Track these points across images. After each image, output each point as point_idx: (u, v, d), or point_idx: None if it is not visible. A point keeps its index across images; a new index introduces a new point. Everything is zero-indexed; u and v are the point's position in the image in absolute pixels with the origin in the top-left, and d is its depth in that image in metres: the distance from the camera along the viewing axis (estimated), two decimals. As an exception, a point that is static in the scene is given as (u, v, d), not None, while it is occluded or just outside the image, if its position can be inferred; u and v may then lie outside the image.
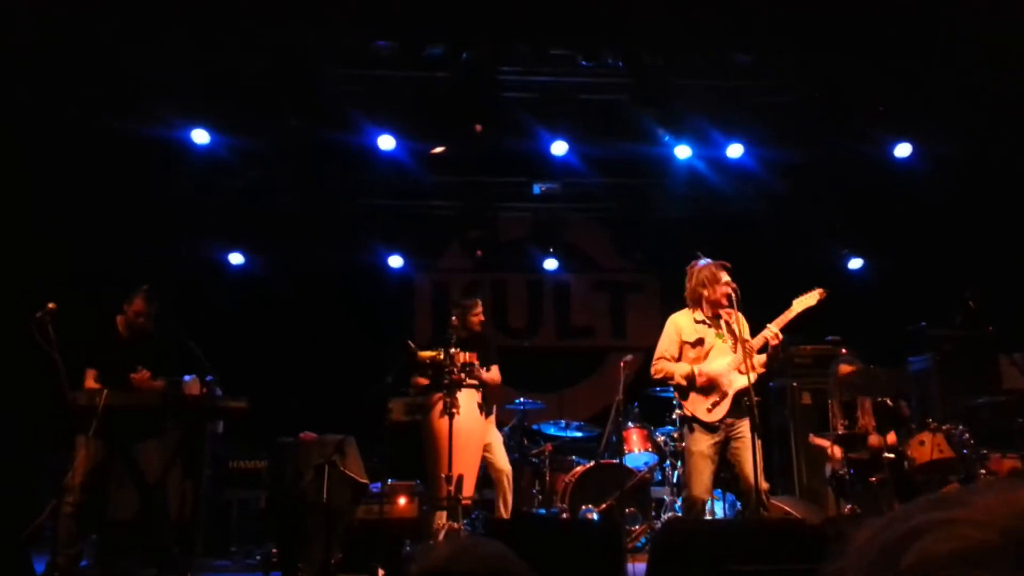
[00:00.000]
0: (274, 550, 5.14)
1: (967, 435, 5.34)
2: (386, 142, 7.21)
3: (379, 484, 5.28)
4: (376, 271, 8.48)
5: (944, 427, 5.32)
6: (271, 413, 5.65)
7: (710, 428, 4.51)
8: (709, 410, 4.52)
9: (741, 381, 4.49)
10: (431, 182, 8.19)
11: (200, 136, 7.02)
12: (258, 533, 5.85)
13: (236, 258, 8.14)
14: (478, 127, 7.28)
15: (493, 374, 5.54)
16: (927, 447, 5.19)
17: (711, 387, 4.53)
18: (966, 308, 6.53)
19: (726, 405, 4.50)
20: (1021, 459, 5.47)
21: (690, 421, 4.59)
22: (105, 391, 4.71)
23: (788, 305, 4.60)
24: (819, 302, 4.56)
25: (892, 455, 5.19)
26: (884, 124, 7.14)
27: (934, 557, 0.52)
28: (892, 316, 7.22)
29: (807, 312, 4.58)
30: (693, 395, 4.57)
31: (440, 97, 7.17)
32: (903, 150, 7.10)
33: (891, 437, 5.35)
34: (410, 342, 5.23)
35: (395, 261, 8.47)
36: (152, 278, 5.35)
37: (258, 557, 5.34)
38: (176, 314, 5.35)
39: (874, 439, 5.37)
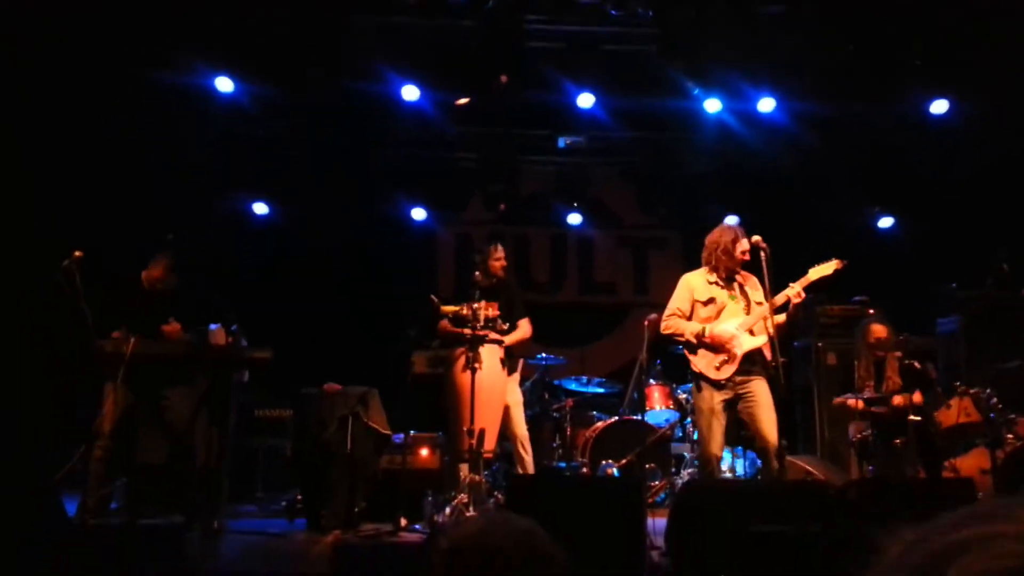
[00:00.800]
0: (299, 497, 5.24)
1: (994, 399, 5.27)
2: (410, 92, 7.12)
3: (401, 435, 5.33)
4: (399, 223, 8.45)
5: (971, 391, 5.26)
6: (295, 364, 5.70)
7: (717, 386, 4.59)
8: (717, 368, 4.60)
9: (751, 343, 4.57)
10: (454, 134, 8.10)
11: (224, 84, 6.96)
12: (283, 480, 5.96)
13: (260, 208, 8.15)
14: (503, 78, 7.14)
15: (521, 331, 5.49)
16: (953, 411, 5.14)
17: (719, 347, 4.60)
18: (998, 271, 6.39)
19: (734, 365, 4.57)
20: (1049, 424, 5.39)
21: (698, 378, 4.67)
22: (132, 339, 4.77)
23: (807, 269, 4.62)
24: (835, 272, 4.57)
25: (918, 417, 5.14)
26: (920, 79, 6.91)
27: (979, 575, 0.50)
28: (921, 276, 7.10)
29: (823, 280, 4.59)
30: (701, 352, 4.66)
31: (464, 47, 7.03)
32: (939, 107, 6.88)
33: (917, 397, 5.29)
34: (433, 296, 5.23)
35: (418, 213, 8.44)
36: (176, 228, 5.37)
37: (283, 503, 5.45)
38: (201, 265, 5.38)
39: (899, 399, 5.31)
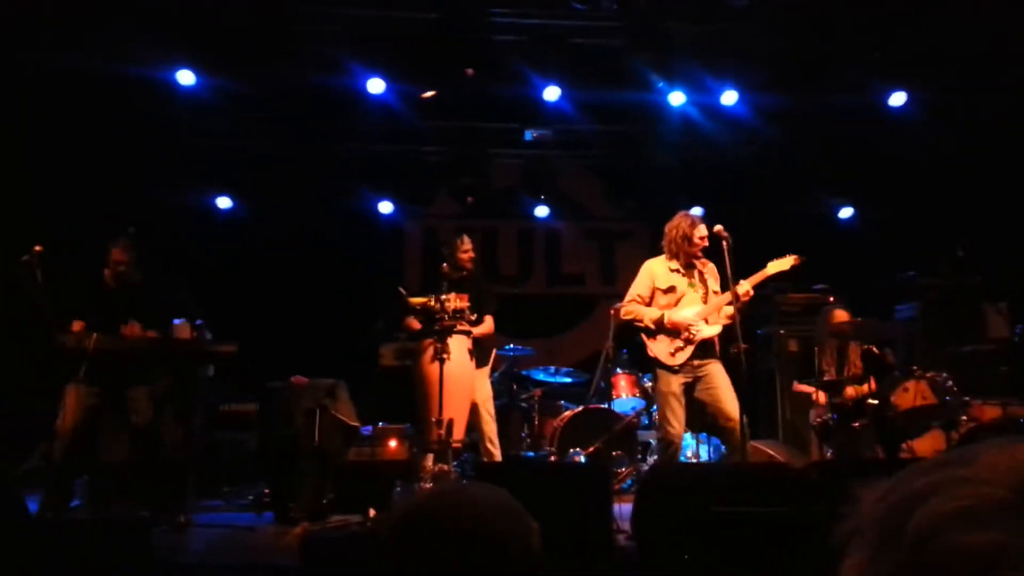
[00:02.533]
0: (266, 491, 5.22)
1: (951, 383, 5.43)
2: (375, 85, 7.08)
3: (370, 427, 5.33)
4: (365, 217, 8.42)
5: (928, 374, 5.40)
6: (262, 358, 5.67)
7: (673, 371, 4.71)
8: (672, 354, 4.72)
9: (707, 331, 4.70)
10: (421, 127, 8.07)
11: (186, 77, 6.86)
12: (250, 475, 5.92)
13: (224, 202, 8.07)
14: (469, 71, 7.15)
15: (486, 326, 5.52)
16: (911, 394, 5.28)
17: (676, 333, 4.72)
18: (954, 258, 6.57)
19: (688, 352, 4.69)
20: (1003, 406, 5.56)
21: (655, 364, 4.78)
22: (94, 335, 4.70)
23: (767, 261, 4.79)
24: (793, 267, 4.73)
25: (876, 401, 5.27)
26: (879, 72, 7.05)
27: (943, 516, 0.53)
28: (880, 265, 7.27)
29: (780, 273, 4.74)
30: (659, 338, 4.77)
31: (430, 39, 7.02)
32: (898, 99, 7.03)
33: (873, 383, 5.43)
34: (401, 289, 5.24)
35: (385, 207, 8.41)
36: (139, 223, 5.30)
37: (250, 498, 5.41)
38: (164, 259, 5.31)
39: (857, 386, 5.45)
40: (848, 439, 5.31)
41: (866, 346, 5.61)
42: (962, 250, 6.48)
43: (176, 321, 5.11)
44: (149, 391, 5.07)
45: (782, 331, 6.71)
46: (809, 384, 5.74)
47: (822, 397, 5.53)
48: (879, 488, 0.61)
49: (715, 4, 6.73)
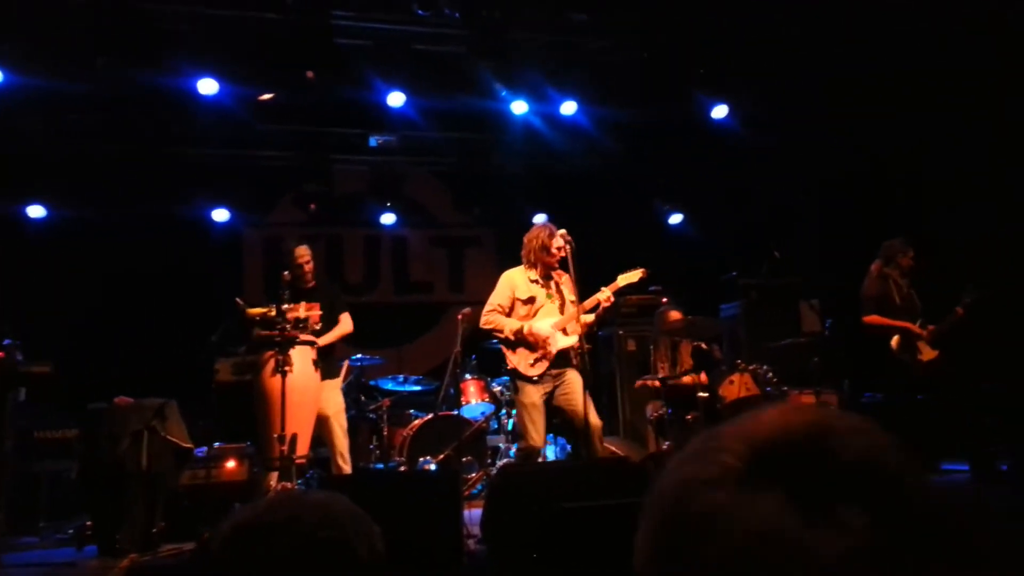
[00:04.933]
0: (88, 523, 4.80)
1: (771, 374, 5.90)
2: (207, 86, 6.74)
3: (205, 448, 5.04)
4: (201, 225, 7.97)
5: (751, 367, 5.84)
6: (82, 378, 5.23)
7: (532, 381, 4.76)
8: (531, 365, 4.77)
9: (564, 341, 4.78)
10: (261, 131, 7.77)
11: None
12: (70, 506, 5.42)
13: (36, 211, 7.38)
14: (309, 74, 6.96)
15: (343, 326, 5.36)
16: (735, 386, 5.68)
17: (535, 344, 4.77)
18: (772, 259, 7.16)
19: (547, 362, 4.76)
20: (816, 394, 6.10)
21: (515, 375, 4.82)
22: None
23: (612, 270, 4.94)
24: (640, 280, 4.94)
25: (706, 394, 5.63)
26: (704, 86, 7.56)
27: (683, 483, 0.58)
28: (707, 267, 7.80)
29: (629, 285, 4.95)
30: (519, 350, 4.81)
31: (270, 41, 6.78)
32: (720, 111, 7.55)
33: (704, 377, 5.80)
34: (239, 299, 4.99)
35: (220, 215, 8.01)
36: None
37: (70, 531, 4.96)
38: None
39: (689, 380, 5.80)
40: (682, 431, 5.63)
41: (696, 343, 5.99)
42: (778, 252, 7.06)
43: (-21, 341, 4.60)
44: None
45: (621, 332, 7.02)
46: (647, 380, 6.04)
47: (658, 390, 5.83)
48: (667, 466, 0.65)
49: (555, 17, 6.95)
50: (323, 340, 5.21)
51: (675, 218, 8.65)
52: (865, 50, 6.40)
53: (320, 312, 5.19)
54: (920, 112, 6.78)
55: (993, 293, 5.72)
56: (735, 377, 5.73)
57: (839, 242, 7.28)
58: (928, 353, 5.68)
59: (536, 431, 4.71)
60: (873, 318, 5.70)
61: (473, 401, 6.43)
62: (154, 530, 4.59)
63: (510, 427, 6.35)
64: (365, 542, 1.04)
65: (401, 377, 6.89)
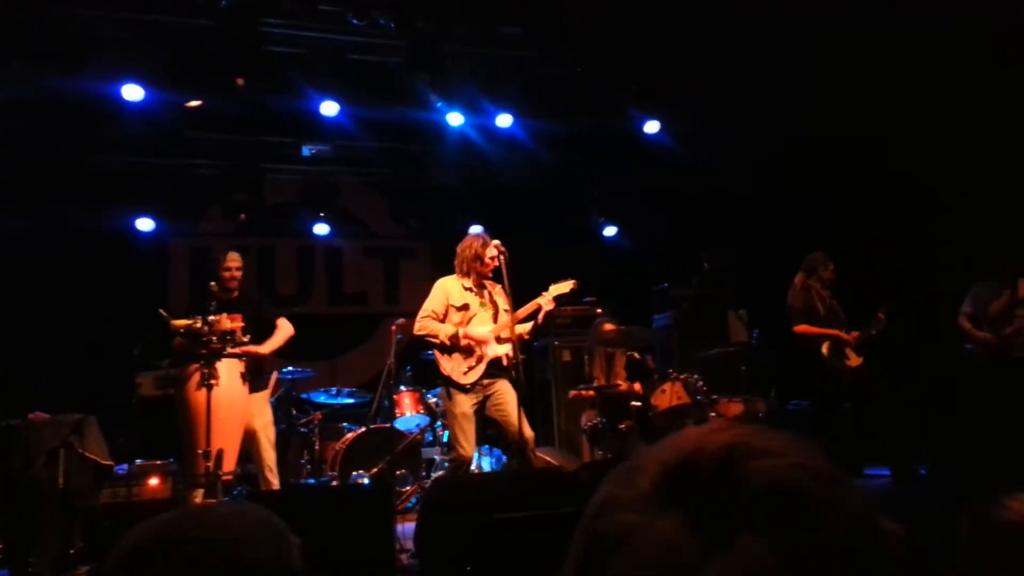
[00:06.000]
0: (-1, 546, 4.56)
1: (701, 383, 6.02)
2: (132, 92, 6.54)
3: (126, 466, 4.85)
4: (125, 235, 7.70)
5: (682, 376, 5.95)
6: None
7: (465, 390, 4.75)
8: (464, 373, 4.77)
9: (497, 349, 4.80)
10: (189, 139, 7.57)
11: None
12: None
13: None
14: (239, 81, 6.83)
15: (282, 331, 5.23)
16: (667, 395, 5.78)
17: (470, 351, 4.78)
18: (701, 270, 7.33)
19: (480, 370, 4.77)
20: (744, 402, 6.25)
21: (447, 383, 4.80)
22: None
23: (546, 281, 4.99)
24: (572, 290, 5.01)
25: (639, 403, 5.70)
26: (637, 101, 7.71)
27: (608, 502, 0.59)
28: (640, 278, 7.94)
29: (561, 295, 5.00)
30: (454, 356, 4.80)
31: (199, 47, 6.62)
32: (652, 127, 7.71)
33: (637, 387, 5.88)
34: (162, 311, 4.83)
35: (144, 224, 7.75)
36: None
37: (-22, 557, 4.69)
38: None
39: (624, 389, 5.87)
40: (616, 440, 5.69)
41: (630, 353, 6.07)
42: (707, 263, 7.24)
43: None
44: None
45: (556, 342, 7.07)
46: (582, 390, 6.09)
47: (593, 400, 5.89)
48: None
49: (490, 30, 6.99)
50: (267, 347, 5.10)
51: (609, 230, 8.77)
52: (792, 67, 6.62)
53: (242, 324, 5.03)
54: (841, 131, 7.07)
55: (909, 301, 5.98)
56: (667, 386, 5.82)
57: (765, 254, 7.50)
58: (855, 359, 5.88)
59: (467, 441, 4.71)
60: (802, 328, 5.87)
61: (408, 413, 6.36)
62: (71, 552, 4.38)
63: (445, 439, 6.31)
64: (277, 559, 1.01)
65: (334, 390, 6.78)
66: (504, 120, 7.55)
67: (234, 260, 5.21)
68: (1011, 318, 5.73)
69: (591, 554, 0.58)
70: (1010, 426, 4.89)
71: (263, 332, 5.19)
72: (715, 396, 5.99)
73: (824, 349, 5.86)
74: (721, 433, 0.60)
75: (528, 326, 4.89)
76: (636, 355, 6.04)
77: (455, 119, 7.52)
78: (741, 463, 0.57)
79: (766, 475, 0.55)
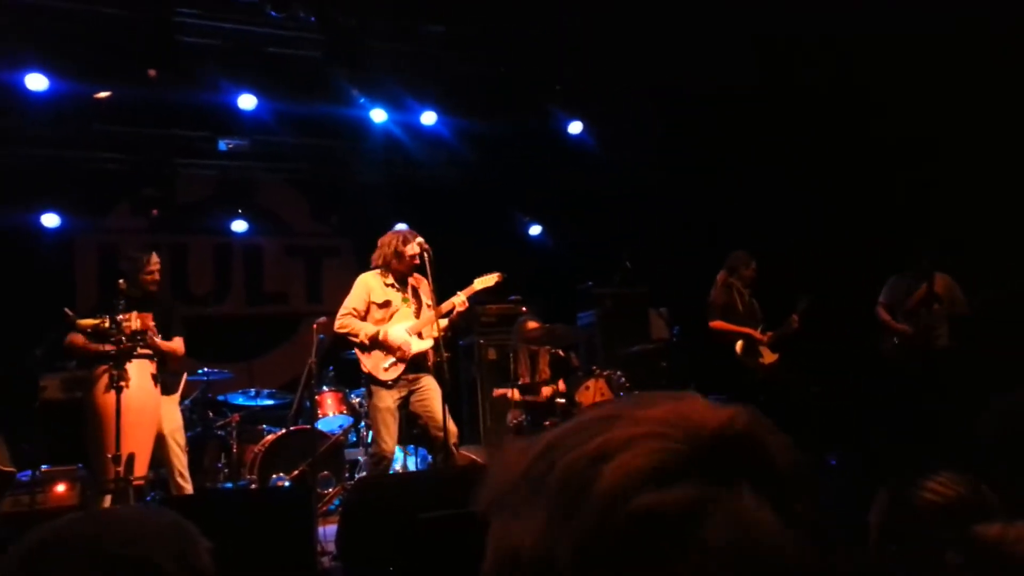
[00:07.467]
0: None
1: (624, 379, 6.13)
2: (35, 81, 6.21)
3: (29, 472, 4.60)
4: (28, 231, 7.29)
5: (605, 373, 6.05)
6: None
7: (387, 386, 4.76)
8: (386, 369, 4.76)
9: (419, 345, 4.81)
10: (97, 132, 7.24)
11: None
12: None
13: None
14: (151, 72, 6.56)
15: (175, 344, 5.06)
16: (591, 392, 5.86)
17: (392, 349, 4.76)
18: (623, 269, 7.46)
19: (402, 366, 4.77)
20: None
21: (369, 379, 4.79)
22: None
23: (471, 280, 5.03)
24: (496, 283, 5.06)
25: (563, 400, 5.77)
26: (561, 102, 7.79)
27: (633, 474, 0.50)
28: (564, 277, 8.03)
29: (486, 289, 5.06)
30: (374, 354, 4.79)
31: (108, 35, 6.34)
32: (575, 127, 7.80)
33: (561, 384, 5.95)
34: (68, 309, 4.59)
35: (50, 219, 7.36)
36: None
37: None
38: None
39: (548, 388, 5.93)
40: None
41: (554, 351, 6.13)
42: (629, 262, 7.38)
43: None
44: None
45: (481, 340, 7.08)
46: (507, 388, 6.11)
47: (518, 398, 5.92)
48: (527, 447, 0.56)
49: (412, 27, 6.94)
50: (166, 344, 4.91)
51: (534, 229, 8.83)
52: (717, 67, 6.78)
53: (153, 323, 4.83)
54: (755, 133, 7.31)
55: (823, 300, 6.23)
56: (590, 383, 5.91)
57: (686, 253, 7.68)
58: (769, 356, 6.10)
59: (389, 436, 4.71)
60: (718, 324, 6.05)
61: (330, 414, 6.25)
62: (-35, 567, 4.12)
63: (369, 439, 6.22)
64: (177, 558, 0.98)
65: (252, 391, 6.60)
66: (428, 118, 7.50)
67: (156, 261, 5.05)
68: (929, 311, 5.98)
69: (629, 543, 0.47)
70: (927, 416, 5.10)
71: (174, 333, 5.03)
72: (636, 392, 6.10)
73: (737, 347, 6.05)
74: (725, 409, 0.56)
75: (445, 322, 4.89)
76: (560, 353, 6.11)
77: (379, 116, 7.42)
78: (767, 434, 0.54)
79: (786, 448, 0.55)
